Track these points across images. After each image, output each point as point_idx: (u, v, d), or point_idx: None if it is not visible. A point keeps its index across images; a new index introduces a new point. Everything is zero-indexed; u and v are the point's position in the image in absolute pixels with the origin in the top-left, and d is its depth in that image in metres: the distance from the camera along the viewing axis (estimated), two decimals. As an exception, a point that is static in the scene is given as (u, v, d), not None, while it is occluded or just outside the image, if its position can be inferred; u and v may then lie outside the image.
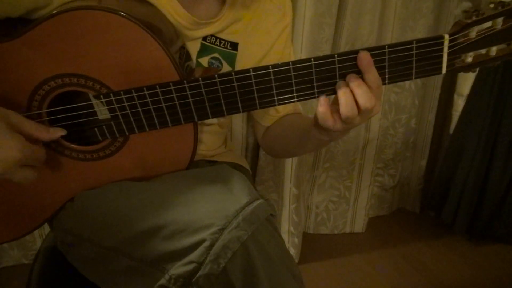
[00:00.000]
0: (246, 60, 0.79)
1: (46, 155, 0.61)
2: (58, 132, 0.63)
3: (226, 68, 0.79)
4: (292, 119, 0.85)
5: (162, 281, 0.56)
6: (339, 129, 0.61)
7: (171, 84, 0.61)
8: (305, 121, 0.73)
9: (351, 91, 0.58)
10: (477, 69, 0.64)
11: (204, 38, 0.75)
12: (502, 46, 0.62)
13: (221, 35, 0.76)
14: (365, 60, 0.58)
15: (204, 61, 0.76)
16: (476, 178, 1.63)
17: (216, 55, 0.77)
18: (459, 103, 1.68)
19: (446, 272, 1.58)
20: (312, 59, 0.59)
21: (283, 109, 0.86)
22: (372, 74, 0.59)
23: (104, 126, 0.65)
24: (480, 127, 1.59)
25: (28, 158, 0.57)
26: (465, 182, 1.65)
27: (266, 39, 0.81)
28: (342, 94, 0.59)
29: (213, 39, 0.76)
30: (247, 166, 0.95)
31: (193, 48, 0.75)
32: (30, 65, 0.61)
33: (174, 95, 0.62)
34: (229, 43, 0.77)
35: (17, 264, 1.51)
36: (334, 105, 0.60)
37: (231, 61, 0.79)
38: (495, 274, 1.57)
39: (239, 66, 0.79)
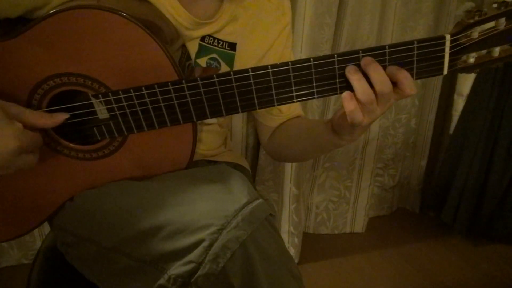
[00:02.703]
0: (244, 60, 0.79)
1: (42, 141, 0.62)
2: (61, 116, 0.62)
3: (224, 68, 0.78)
4: (301, 125, 0.84)
5: (162, 281, 0.56)
6: (366, 123, 0.60)
7: (169, 84, 0.61)
8: (318, 129, 0.72)
9: (368, 76, 0.58)
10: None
11: (202, 39, 0.75)
12: (505, 46, 0.61)
13: (219, 36, 0.76)
14: (364, 62, 0.58)
15: (203, 61, 0.76)
16: (476, 178, 1.63)
17: (214, 55, 0.77)
18: (459, 103, 1.68)
19: (446, 272, 1.58)
20: (312, 59, 0.58)
21: (286, 109, 0.85)
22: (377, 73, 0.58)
23: (102, 126, 0.65)
24: (480, 127, 1.59)
25: (28, 145, 0.57)
26: (465, 182, 1.65)
27: (265, 39, 0.81)
28: (356, 81, 0.58)
29: (211, 39, 0.76)
30: (247, 166, 0.95)
31: (192, 48, 0.75)
32: (29, 64, 0.61)
33: (173, 95, 0.62)
34: (227, 44, 0.77)
35: (17, 264, 1.51)
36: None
37: (230, 62, 0.78)
38: (495, 274, 1.57)
39: (237, 67, 0.79)
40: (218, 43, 0.76)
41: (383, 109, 0.60)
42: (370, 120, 0.60)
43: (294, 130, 0.84)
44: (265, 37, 0.81)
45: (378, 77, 0.57)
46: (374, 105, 0.59)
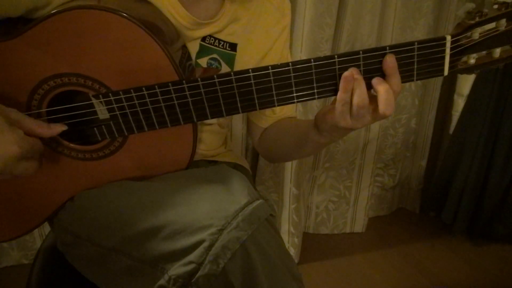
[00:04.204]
0: (245, 61, 0.79)
1: (43, 148, 0.62)
2: (58, 128, 0.63)
3: (225, 69, 0.78)
4: (289, 123, 0.85)
5: (162, 281, 0.56)
6: (347, 125, 0.60)
7: (170, 84, 0.61)
8: (303, 124, 0.72)
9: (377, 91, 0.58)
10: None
11: (203, 39, 0.75)
12: (506, 47, 0.61)
13: (220, 36, 0.76)
14: (392, 63, 0.58)
15: (203, 62, 0.76)
16: (476, 178, 1.63)
17: (215, 56, 0.77)
18: (459, 103, 1.67)
19: (446, 272, 1.58)
20: (312, 60, 0.58)
21: (279, 110, 0.86)
22: (397, 78, 0.58)
23: (103, 126, 0.65)
24: (480, 127, 1.59)
25: (28, 152, 0.57)
26: (465, 182, 1.65)
27: (265, 40, 0.81)
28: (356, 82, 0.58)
29: (212, 40, 0.76)
30: (247, 166, 0.95)
31: (192, 48, 0.75)
32: (30, 64, 0.61)
33: (173, 95, 0.62)
34: (228, 44, 0.77)
35: (17, 264, 1.51)
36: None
37: (230, 62, 0.78)
38: (495, 274, 1.57)
39: (238, 67, 0.79)
40: (219, 43, 0.76)
41: (373, 122, 0.61)
42: (357, 124, 0.60)
43: (280, 127, 0.85)
44: (265, 38, 0.81)
45: (386, 98, 0.58)
46: (365, 118, 0.59)
